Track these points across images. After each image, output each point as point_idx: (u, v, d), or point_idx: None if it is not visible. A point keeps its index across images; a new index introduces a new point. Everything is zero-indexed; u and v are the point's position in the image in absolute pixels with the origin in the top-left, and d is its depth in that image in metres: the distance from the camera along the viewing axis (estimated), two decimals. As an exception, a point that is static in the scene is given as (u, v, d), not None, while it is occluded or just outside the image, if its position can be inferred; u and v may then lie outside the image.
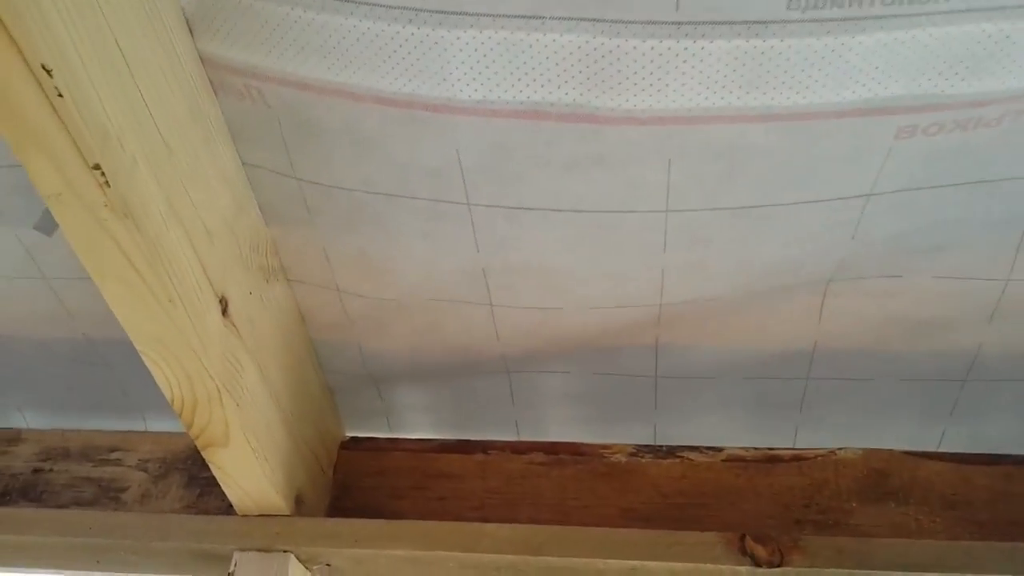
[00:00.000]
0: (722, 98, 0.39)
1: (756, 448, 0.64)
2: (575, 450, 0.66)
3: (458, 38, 0.38)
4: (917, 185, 0.45)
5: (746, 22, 0.36)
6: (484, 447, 0.67)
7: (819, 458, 0.63)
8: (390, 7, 0.37)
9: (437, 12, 0.37)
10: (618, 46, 0.37)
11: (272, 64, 0.42)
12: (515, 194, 0.46)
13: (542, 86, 0.40)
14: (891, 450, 0.63)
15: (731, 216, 0.46)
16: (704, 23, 0.36)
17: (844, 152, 0.42)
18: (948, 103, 0.39)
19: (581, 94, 0.40)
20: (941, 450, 0.64)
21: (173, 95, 0.42)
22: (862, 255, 0.50)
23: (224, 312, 0.49)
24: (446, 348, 0.60)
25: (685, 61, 0.37)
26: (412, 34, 0.38)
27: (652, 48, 0.37)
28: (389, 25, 0.38)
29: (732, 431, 0.65)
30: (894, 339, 0.57)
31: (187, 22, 0.42)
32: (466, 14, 0.37)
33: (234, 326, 0.50)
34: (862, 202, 0.45)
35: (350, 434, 0.70)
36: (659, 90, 0.39)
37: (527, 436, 0.68)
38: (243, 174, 0.49)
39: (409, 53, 0.39)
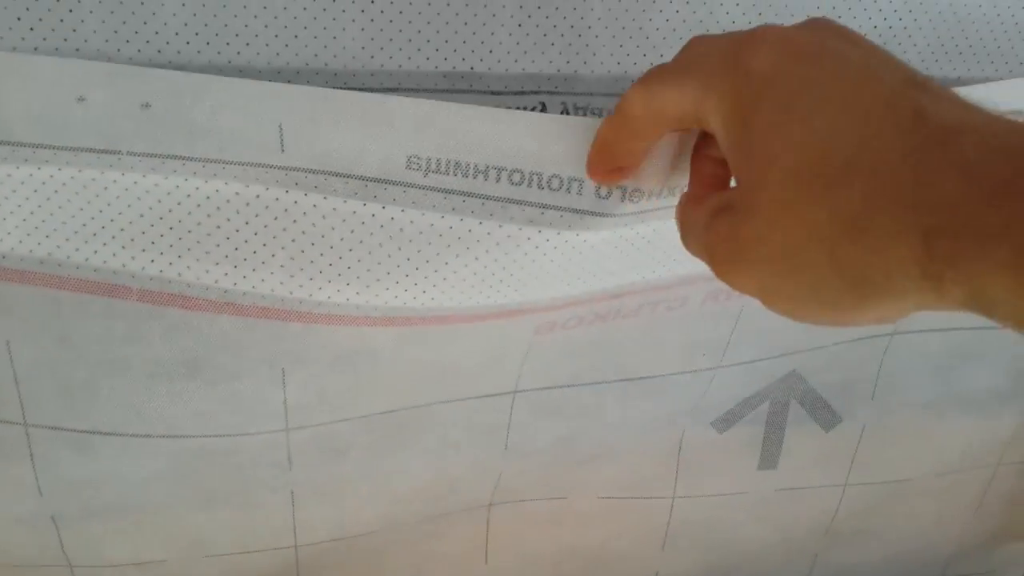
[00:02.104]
0: (340, 291, 0.33)
1: None
2: None
3: (9, 175, 0.29)
4: (563, 383, 0.41)
5: (363, 179, 0.31)
6: None
7: None
8: None
9: None
10: (216, 191, 0.30)
11: None
12: (87, 411, 0.35)
13: (123, 247, 0.31)
14: None
15: (366, 423, 0.39)
16: (316, 172, 0.30)
17: (483, 353, 0.37)
18: (585, 299, 0.36)
19: (170, 262, 0.32)
20: None
21: None
22: (520, 470, 0.44)
23: None
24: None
25: (295, 222, 0.31)
26: None
27: (257, 197, 0.31)
28: None
29: None
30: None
31: None
32: (20, 144, 0.29)
33: None
34: (508, 401, 0.41)
35: None
36: (264, 262, 0.32)
37: None
38: None
39: None
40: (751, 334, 0.42)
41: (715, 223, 0.25)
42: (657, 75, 0.28)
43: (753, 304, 0.41)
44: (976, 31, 0.37)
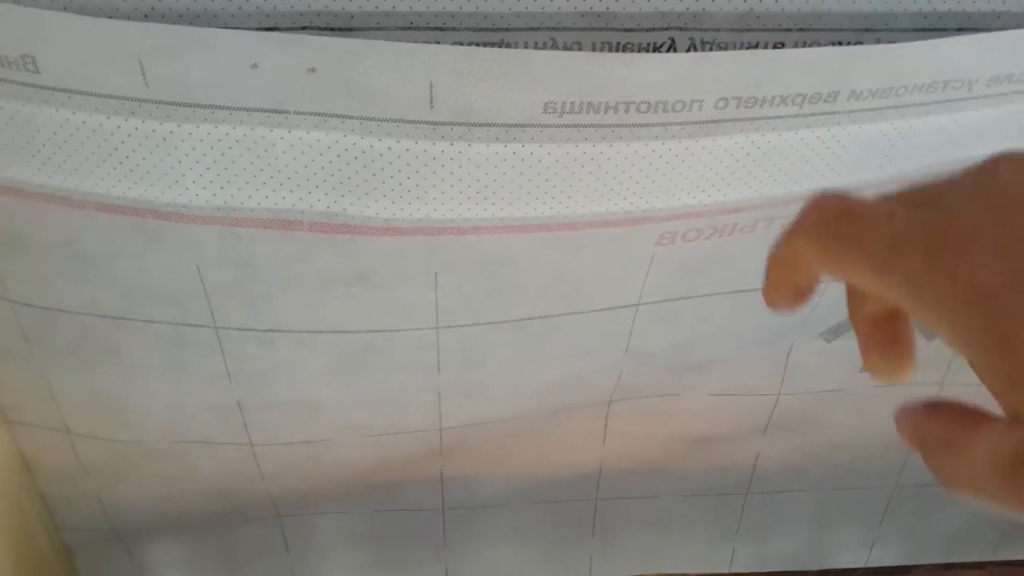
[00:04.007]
0: (485, 208, 0.37)
1: (551, 582, 0.60)
2: (358, 600, 0.59)
3: (190, 134, 0.34)
4: (681, 295, 0.44)
5: (503, 125, 0.34)
6: (254, 605, 0.59)
7: (615, 587, 0.60)
8: (107, 96, 0.33)
9: (164, 103, 0.33)
10: (371, 146, 0.35)
11: (-28, 167, 0.36)
12: (268, 316, 0.41)
13: (291, 191, 0.36)
14: (686, 573, 0.61)
15: (504, 331, 0.44)
16: (460, 124, 0.34)
17: (609, 261, 0.41)
18: (704, 210, 0.39)
19: (335, 201, 0.37)
20: (734, 570, 0.63)
21: None
22: (638, 372, 0.49)
23: (-88, 463, 0.40)
24: (204, 495, 0.53)
25: (443, 166, 0.35)
26: (136, 128, 0.34)
27: (408, 150, 0.35)
28: (108, 118, 0.33)
29: (527, 565, 0.61)
30: (675, 455, 0.56)
31: None
32: (199, 106, 0.33)
33: (-74, 480, 0.41)
34: (631, 312, 0.45)
35: (92, 603, 0.60)
36: (418, 197, 0.36)
37: (303, 588, 0.61)
38: (-57, 297, 0.42)
39: (133, 151, 0.34)
40: (862, 250, 0.44)
41: None
42: (834, 236, 0.21)
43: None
44: None
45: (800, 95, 0.35)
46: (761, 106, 0.35)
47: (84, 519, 0.54)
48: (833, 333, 0.51)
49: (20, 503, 0.51)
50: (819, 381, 0.53)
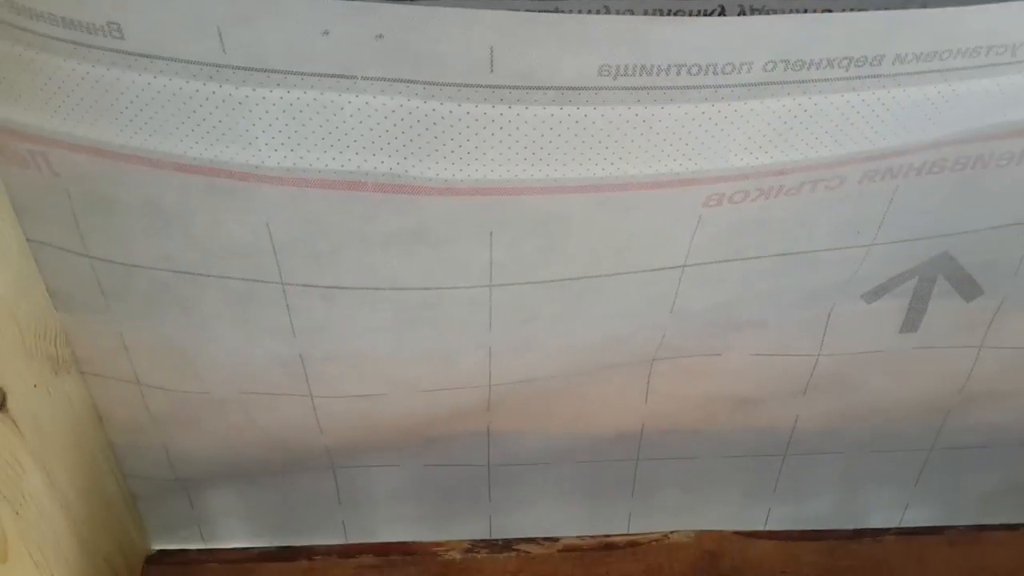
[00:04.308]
0: (540, 169, 0.39)
1: (592, 536, 0.62)
2: (407, 550, 0.62)
3: (264, 98, 0.36)
4: (727, 256, 0.46)
5: (559, 88, 0.36)
6: (309, 553, 0.62)
7: (653, 543, 0.62)
8: (187, 62, 0.35)
9: (241, 68, 0.35)
10: (433, 109, 0.36)
11: (58, 126, 0.38)
12: (332, 272, 0.44)
13: (356, 153, 0.38)
14: (722, 531, 0.63)
15: (553, 289, 0.46)
16: (519, 88, 0.36)
17: (657, 222, 0.43)
18: (751, 172, 0.40)
19: (398, 163, 0.39)
20: (769, 528, 0.65)
21: (-59, 161, 0.38)
22: (682, 331, 0.50)
23: (1, 407, 0.43)
24: (264, 445, 0.56)
25: (501, 128, 0.37)
26: (213, 92, 0.36)
27: (468, 113, 0.37)
28: (187, 82, 0.36)
29: (569, 519, 0.63)
30: (716, 416, 0.57)
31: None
32: (273, 71, 0.35)
33: (14, 423, 0.44)
34: (677, 274, 0.46)
35: (157, 547, 0.63)
36: (477, 159, 0.38)
37: (355, 538, 0.63)
38: (28, 252, 0.45)
39: (210, 114, 0.37)
40: (906, 214, 0.46)
41: None
42: None
43: (908, 184, 0.44)
44: None
45: (846, 58, 0.36)
46: (808, 69, 0.36)
47: (150, 468, 0.58)
48: (874, 295, 0.52)
49: (92, 452, 0.54)
50: (858, 342, 0.54)
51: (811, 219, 0.45)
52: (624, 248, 0.44)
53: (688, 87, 0.36)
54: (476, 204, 0.41)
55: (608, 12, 0.39)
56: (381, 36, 0.34)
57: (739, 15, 0.39)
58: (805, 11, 0.40)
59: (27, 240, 0.44)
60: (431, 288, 0.45)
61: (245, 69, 0.35)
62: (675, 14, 0.39)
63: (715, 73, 0.36)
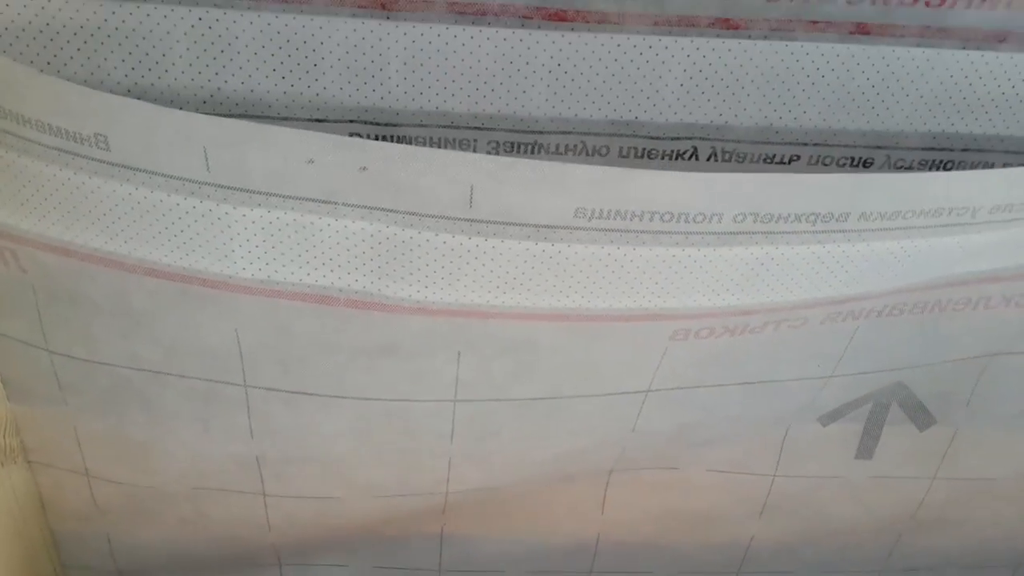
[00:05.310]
0: (512, 297, 0.39)
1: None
2: (350, 652, 0.60)
3: (244, 215, 0.36)
4: (690, 384, 0.47)
5: (536, 225, 0.37)
6: (248, 651, 0.60)
7: (603, 655, 0.61)
8: (169, 177, 0.35)
9: (222, 187, 0.35)
10: (411, 237, 0.37)
11: (32, 226, 0.38)
12: (297, 378, 0.43)
13: (331, 271, 0.38)
14: (672, 644, 0.62)
15: (517, 407, 0.46)
16: (496, 223, 0.36)
17: (624, 351, 0.43)
18: (718, 312, 0.41)
19: (372, 282, 0.39)
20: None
21: (-94, 252, 0.37)
22: (641, 447, 0.51)
23: (-59, 500, 0.42)
24: (210, 540, 0.55)
25: (477, 258, 0.38)
26: (193, 207, 0.36)
27: (445, 243, 0.37)
28: (168, 195, 0.36)
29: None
30: (672, 531, 0.58)
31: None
32: (255, 192, 0.35)
33: (-48, 517, 0.43)
34: (641, 397, 0.47)
35: (90, 639, 0.61)
36: (451, 284, 0.39)
37: (297, 638, 0.62)
38: (-15, 343, 0.44)
39: (189, 226, 0.37)
40: (864, 350, 0.47)
41: None
42: None
43: (868, 325, 0.46)
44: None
45: (814, 214, 0.37)
46: (777, 222, 0.37)
47: (91, 558, 0.56)
48: (830, 418, 0.53)
49: (32, 540, 0.52)
50: (814, 466, 0.55)
51: (774, 354, 0.46)
52: (590, 373, 0.44)
53: (660, 232, 0.37)
54: (447, 324, 0.41)
55: (584, 147, 0.40)
56: (365, 168, 0.35)
57: (710, 158, 0.41)
58: (774, 157, 0.41)
59: (-15, 330, 0.44)
60: (396, 400, 0.45)
61: (227, 188, 0.35)
62: (648, 154, 0.40)
63: (687, 221, 0.37)
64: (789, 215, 0.37)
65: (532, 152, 0.40)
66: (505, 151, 0.40)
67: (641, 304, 0.40)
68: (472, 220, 0.36)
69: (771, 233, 0.38)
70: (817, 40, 0.39)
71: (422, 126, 0.39)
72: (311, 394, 0.44)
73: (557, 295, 0.39)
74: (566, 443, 0.49)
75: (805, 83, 0.39)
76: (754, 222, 0.37)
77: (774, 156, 0.42)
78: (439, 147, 0.39)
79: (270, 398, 0.45)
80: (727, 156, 0.41)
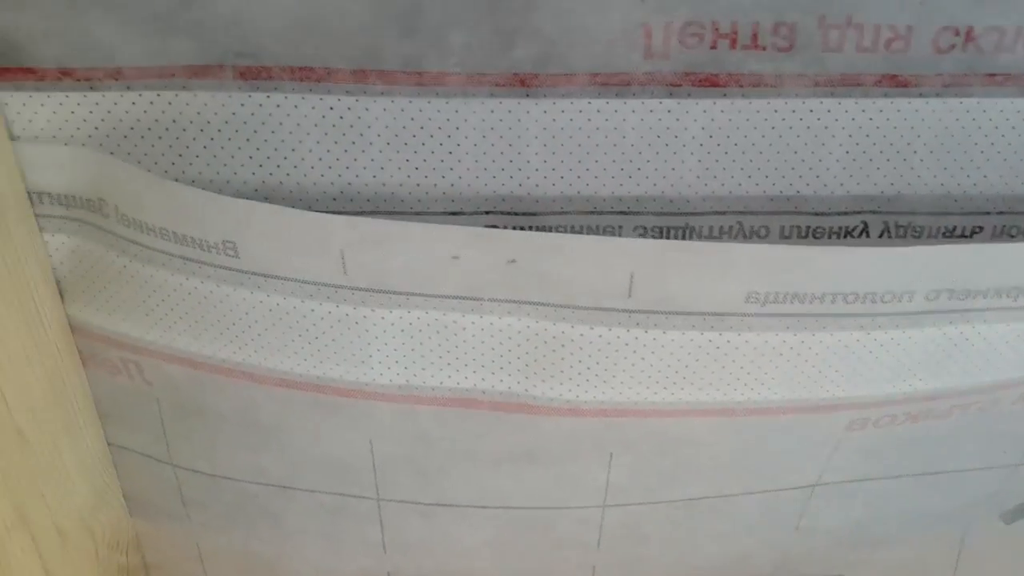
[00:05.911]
0: (673, 393, 0.36)
1: None
2: None
3: (383, 318, 0.34)
4: (863, 476, 0.42)
5: (702, 314, 0.33)
6: None
7: None
8: (304, 282, 0.33)
9: (361, 290, 0.33)
10: (563, 332, 0.34)
11: (157, 338, 0.36)
12: (435, 490, 0.40)
13: (475, 372, 0.35)
14: None
15: (672, 509, 0.42)
16: (657, 312, 0.33)
17: (793, 444, 0.39)
18: (901, 399, 0.37)
19: (518, 381, 0.36)
20: None
21: (33, 372, 0.35)
22: (805, 550, 0.46)
23: (66, 628, 0.40)
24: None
25: (635, 352, 0.34)
26: (329, 312, 0.34)
27: (600, 336, 0.34)
28: (303, 302, 0.33)
29: None
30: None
31: (57, 283, 0.36)
32: (395, 292, 0.33)
33: (77, 645, 0.40)
34: (807, 492, 0.42)
35: None
36: (605, 380, 0.35)
37: None
38: (108, 459, 0.42)
39: (324, 332, 0.34)
40: (1058, 433, 0.42)
41: None
42: None
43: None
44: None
45: (1016, 287, 0.33)
46: (975, 298, 0.33)
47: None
48: (1012, 515, 0.47)
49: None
50: (995, 568, 0.49)
51: (957, 440, 0.41)
52: (754, 468, 0.40)
53: (844, 315, 0.33)
54: (599, 425, 0.37)
55: (742, 228, 0.37)
56: (513, 261, 0.32)
57: (883, 235, 0.36)
58: (955, 230, 0.37)
59: (108, 444, 0.42)
60: (540, 507, 0.41)
61: (366, 290, 0.33)
62: (814, 233, 0.36)
63: (874, 301, 0.33)
64: (988, 290, 0.33)
65: (683, 237, 0.36)
66: (653, 237, 0.37)
67: (818, 395, 0.36)
68: (631, 311, 0.33)
69: (968, 311, 0.33)
70: (995, 95, 0.35)
71: (562, 213, 0.36)
72: (449, 505, 0.41)
73: (724, 388, 0.36)
74: (722, 546, 0.45)
75: (984, 144, 0.35)
76: (949, 299, 0.33)
77: (954, 228, 0.37)
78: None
79: (405, 511, 0.41)
80: (901, 231, 0.37)
